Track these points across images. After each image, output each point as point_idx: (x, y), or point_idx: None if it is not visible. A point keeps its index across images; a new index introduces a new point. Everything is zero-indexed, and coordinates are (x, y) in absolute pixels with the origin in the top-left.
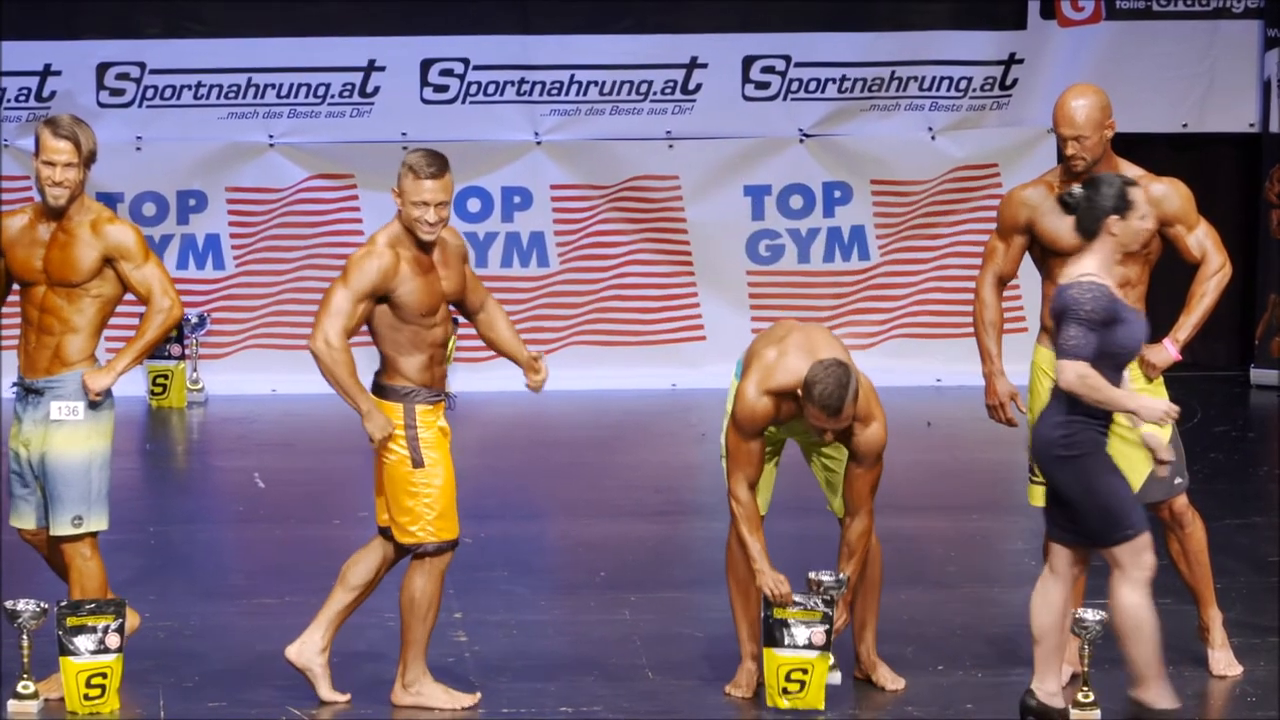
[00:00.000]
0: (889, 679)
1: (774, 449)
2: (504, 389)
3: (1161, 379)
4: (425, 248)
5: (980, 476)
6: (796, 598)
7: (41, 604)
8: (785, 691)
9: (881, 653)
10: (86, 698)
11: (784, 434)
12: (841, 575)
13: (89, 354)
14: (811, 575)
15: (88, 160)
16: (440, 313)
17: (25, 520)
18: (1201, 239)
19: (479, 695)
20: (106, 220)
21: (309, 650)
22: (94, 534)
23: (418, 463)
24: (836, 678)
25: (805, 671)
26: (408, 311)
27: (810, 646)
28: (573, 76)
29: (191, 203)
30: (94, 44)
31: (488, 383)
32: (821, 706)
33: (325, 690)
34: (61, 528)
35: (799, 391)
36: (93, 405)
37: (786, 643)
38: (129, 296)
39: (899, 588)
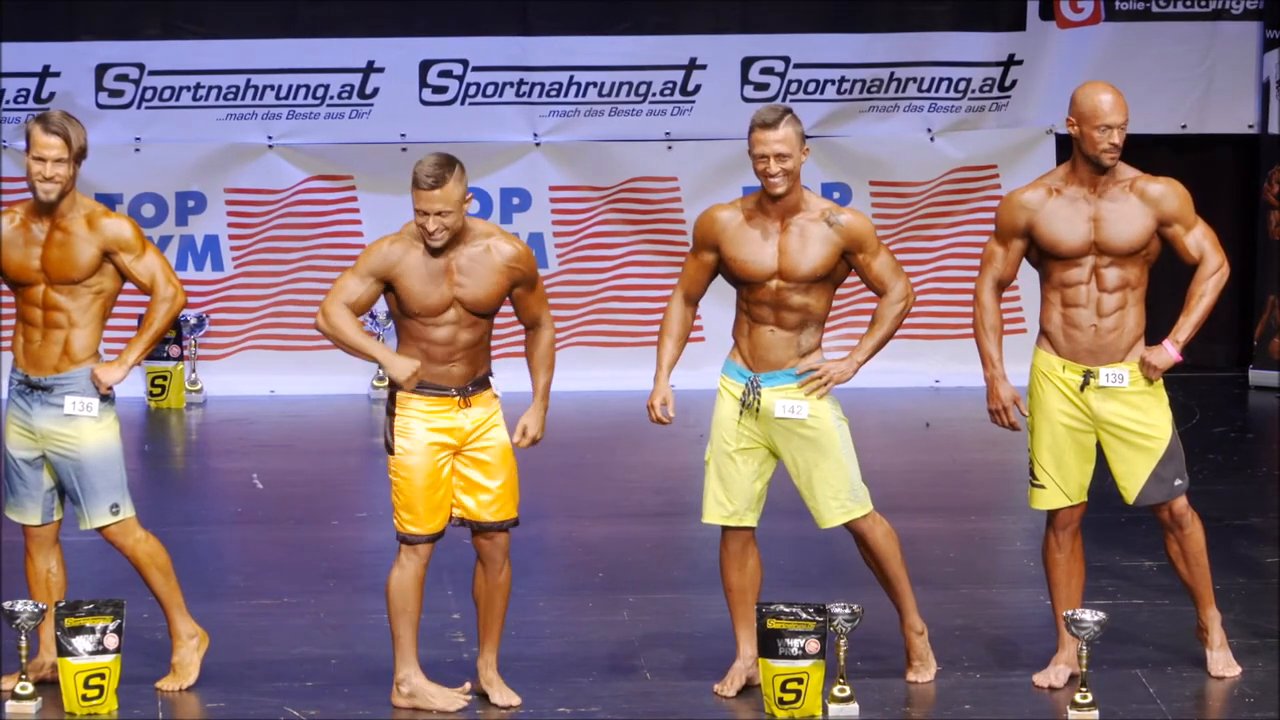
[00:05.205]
0: (919, 671)
1: (763, 467)
2: (503, 390)
3: (1161, 380)
4: (436, 251)
5: (979, 478)
6: (783, 607)
7: (40, 605)
8: (781, 702)
9: (879, 654)
10: (85, 698)
11: (767, 436)
12: (854, 607)
13: (95, 349)
14: (828, 605)
15: (78, 156)
16: (450, 314)
17: (29, 516)
18: (1199, 239)
19: (468, 685)
20: (101, 214)
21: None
22: (132, 517)
23: (389, 449)
24: (854, 710)
25: (800, 681)
26: (406, 305)
27: (804, 655)
28: (572, 78)
29: (190, 204)
30: (93, 45)
31: None
32: (819, 714)
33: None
34: (100, 518)
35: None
36: (104, 398)
37: (780, 653)
38: (128, 286)
39: None
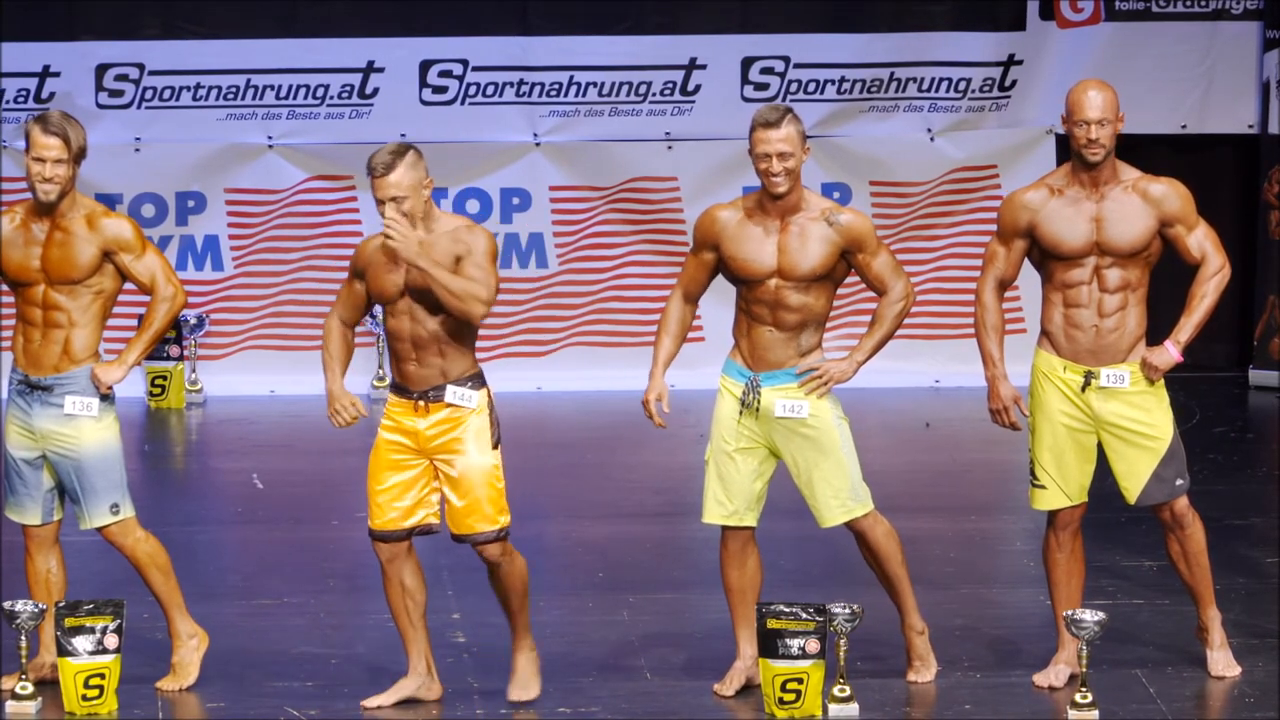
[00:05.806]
0: (919, 671)
1: (763, 466)
2: (502, 390)
3: (1163, 381)
4: None
5: (979, 478)
6: (783, 607)
7: (40, 605)
8: (781, 702)
9: (879, 654)
10: (85, 698)
11: (767, 436)
12: (854, 607)
13: (95, 349)
14: (828, 605)
15: (77, 156)
16: (403, 303)
17: (29, 516)
18: (1201, 240)
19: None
20: (101, 214)
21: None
22: (132, 517)
23: None
24: (854, 710)
25: (800, 681)
26: (371, 295)
27: (804, 655)
28: (572, 78)
29: (190, 204)
30: (93, 45)
31: None
32: (819, 714)
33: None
34: (100, 518)
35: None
36: (104, 398)
37: (780, 653)
38: (128, 286)
39: None
